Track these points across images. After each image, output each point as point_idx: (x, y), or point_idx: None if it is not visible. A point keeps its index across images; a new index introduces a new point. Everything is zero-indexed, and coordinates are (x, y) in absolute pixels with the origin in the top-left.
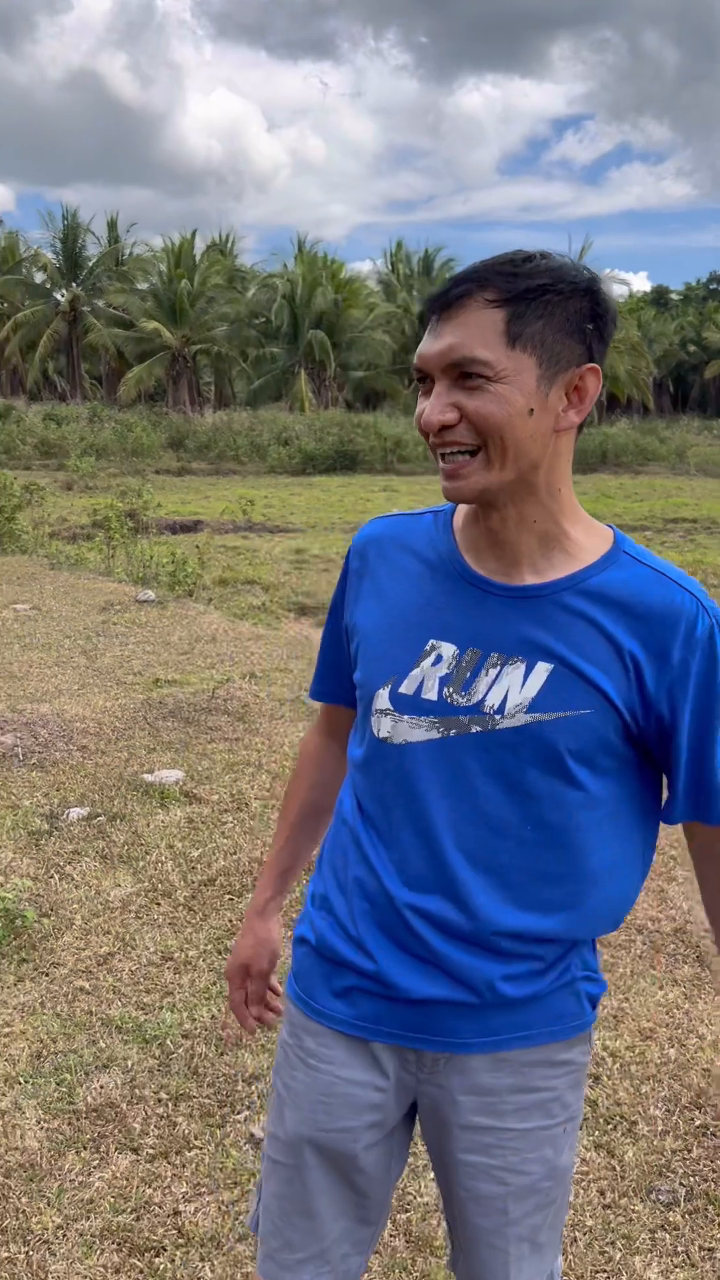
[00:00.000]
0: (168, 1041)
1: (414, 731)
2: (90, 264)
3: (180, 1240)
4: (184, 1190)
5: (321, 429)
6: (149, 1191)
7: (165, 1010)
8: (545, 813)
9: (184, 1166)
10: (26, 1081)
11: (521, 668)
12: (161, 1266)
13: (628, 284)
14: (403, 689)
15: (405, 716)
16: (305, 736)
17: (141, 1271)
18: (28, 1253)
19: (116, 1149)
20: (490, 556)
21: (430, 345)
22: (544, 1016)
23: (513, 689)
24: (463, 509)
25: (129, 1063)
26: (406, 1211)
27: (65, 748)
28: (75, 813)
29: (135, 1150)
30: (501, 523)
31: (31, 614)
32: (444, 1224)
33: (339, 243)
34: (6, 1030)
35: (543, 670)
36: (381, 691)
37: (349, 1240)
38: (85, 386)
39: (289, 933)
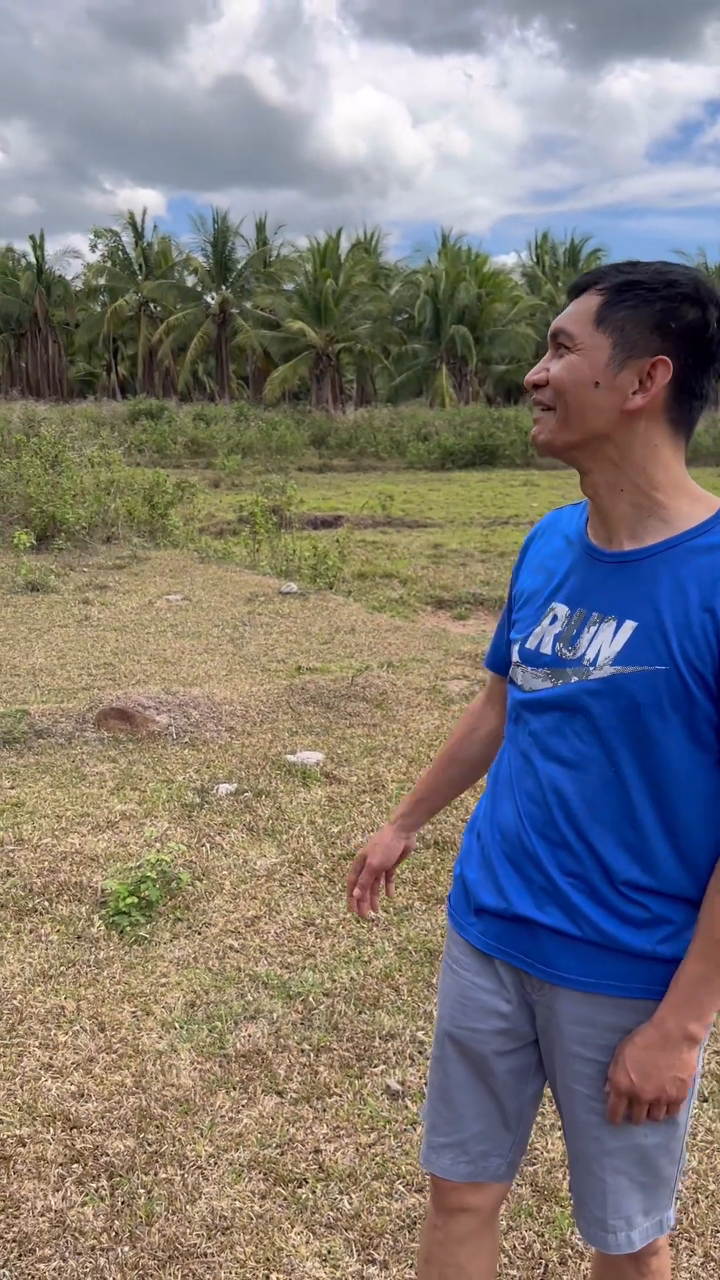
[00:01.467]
0: (310, 998)
1: (533, 681)
2: (239, 266)
3: (321, 1175)
4: (324, 1132)
5: (461, 424)
6: (292, 1130)
7: (307, 970)
8: (633, 762)
9: (325, 1111)
10: (181, 1027)
11: (612, 625)
12: (304, 1196)
13: None
14: (528, 644)
15: (528, 668)
16: (470, 707)
17: (285, 1199)
18: (183, 1175)
19: (263, 1091)
20: (599, 526)
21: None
22: (645, 973)
23: (604, 644)
24: None
25: (274, 1015)
26: (534, 1165)
27: (215, 728)
28: (224, 788)
29: (280, 1094)
30: (593, 489)
31: (183, 604)
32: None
33: (483, 236)
34: (164, 981)
35: (628, 627)
36: (516, 648)
37: (487, 1140)
38: (233, 387)
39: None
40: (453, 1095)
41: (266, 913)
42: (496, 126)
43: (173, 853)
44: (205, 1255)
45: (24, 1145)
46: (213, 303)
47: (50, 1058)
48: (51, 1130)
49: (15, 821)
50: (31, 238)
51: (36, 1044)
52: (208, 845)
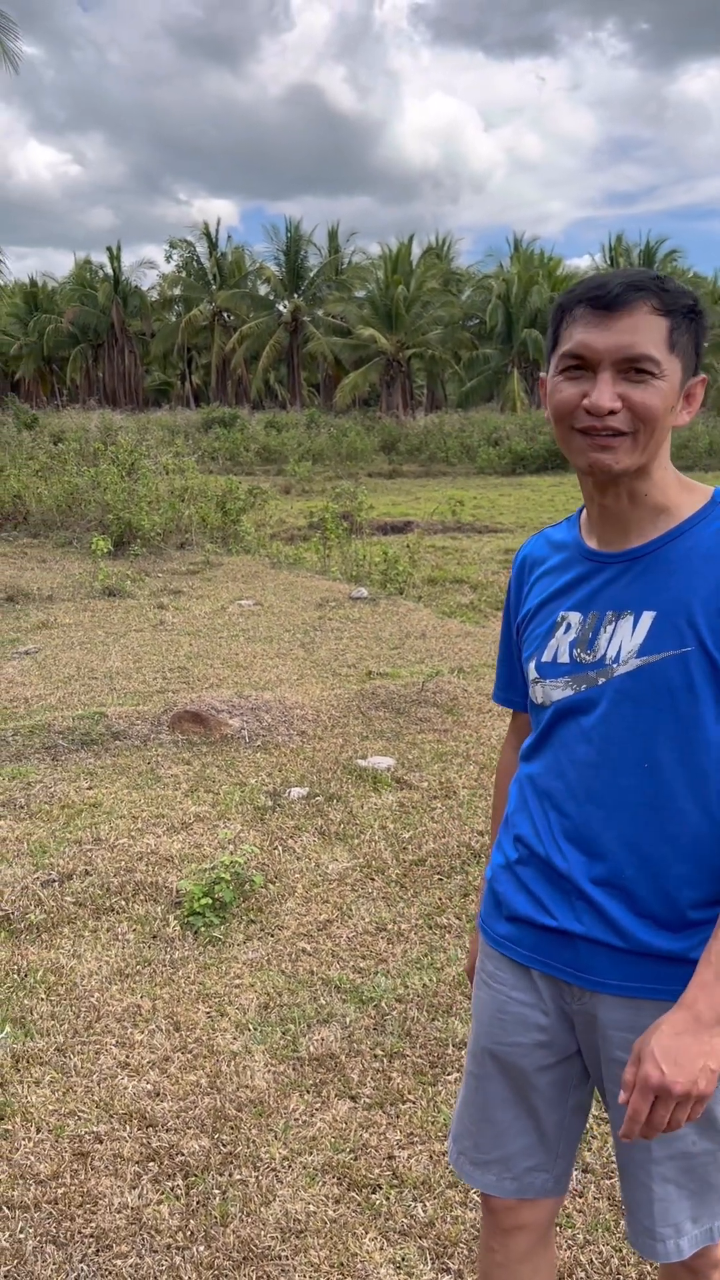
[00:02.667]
0: (382, 1003)
1: (553, 692)
2: (311, 274)
3: (395, 1181)
4: (398, 1138)
5: (533, 428)
6: (366, 1135)
7: (380, 975)
8: (666, 751)
9: (398, 1117)
10: (255, 1029)
11: (630, 619)
12: (378, 1202)
13: None
14: (544, 658)
15: (548, 680)
16: (501, 755)
17: (359, 1204)
18: (257, 1177)
19: (336, 1095)
20: (605, 533)
21: (603, 338)
22: (686, 975)
23: (625, 639)
24: (586, 506)
25: (347, 1019)
26: (611, 1178)
27: (286, 732)
28: (296, 792)
29: (353, 1098)
30: (617, 499)
31: (255, 609)
32: None
33: (556, 239)
34: (238, 982)
35: (647, 618)
36: (531, 664)
37: (530, 1156)
38: (304, 394)
39: None
40: (493, 1113)
41: (339, 917)
42: (569, 129)
43: (246, 855)
44: (279, 1258)
45: (101, 1142)
46: (285, 311)
47: (127, 1056)
48: (128, 1128)
49: (93, 821)
50: (109, 249)
51: (114, 1042)
52: (280, 848)
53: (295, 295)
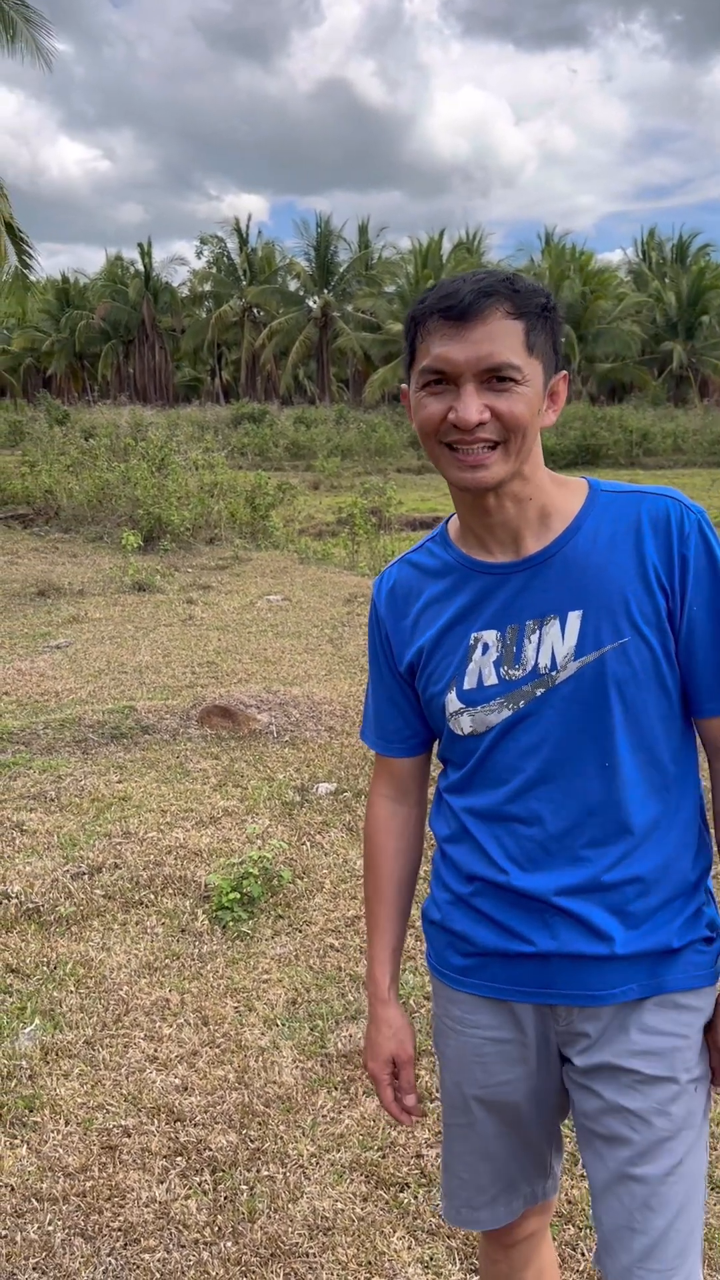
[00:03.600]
0: (410, 1001)
1: (489, 715)
2: (341, 270)
3: (423, 1180)
4: (426, 1137)
5: (563, 423)
6: (394, 1133)
7: (407, 973)
8: (624, 746)
9: (426, 1115)
10: (283, 1024)
11: (556, 623)
12: (405, 1200)
13: None
14: (467, 685)
15: (477, 707)
16: (369, 806)
17: (387, 1203)
18: (285, 1174)
19: (364, 1092)
20: (495, 543)
21: (460, 350)
22: (680, 963)
23: (556, 644)
24: (453, 523)
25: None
26: None
27: (314, 727)
28: (324, 787)
29: None
30: (500, 507)
31: (283, 604)
32: None
33: (587, 234)
34: (265, 977)
35: (574, 618)
36: (450, 696)
37: (530, 1170)
38: (333, 390)
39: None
40: (490, 1148)
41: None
42: (601, 122)
43: (274, 850)
44: (307, 1255)
45: (129, 1136)
46: (314, 307)
47: (155, 1050)
48: (156, 1122)
49: (123, 815)
50: (140, 245)
51: (142, 1035)
52: (308, 844)
53: (325, 291)
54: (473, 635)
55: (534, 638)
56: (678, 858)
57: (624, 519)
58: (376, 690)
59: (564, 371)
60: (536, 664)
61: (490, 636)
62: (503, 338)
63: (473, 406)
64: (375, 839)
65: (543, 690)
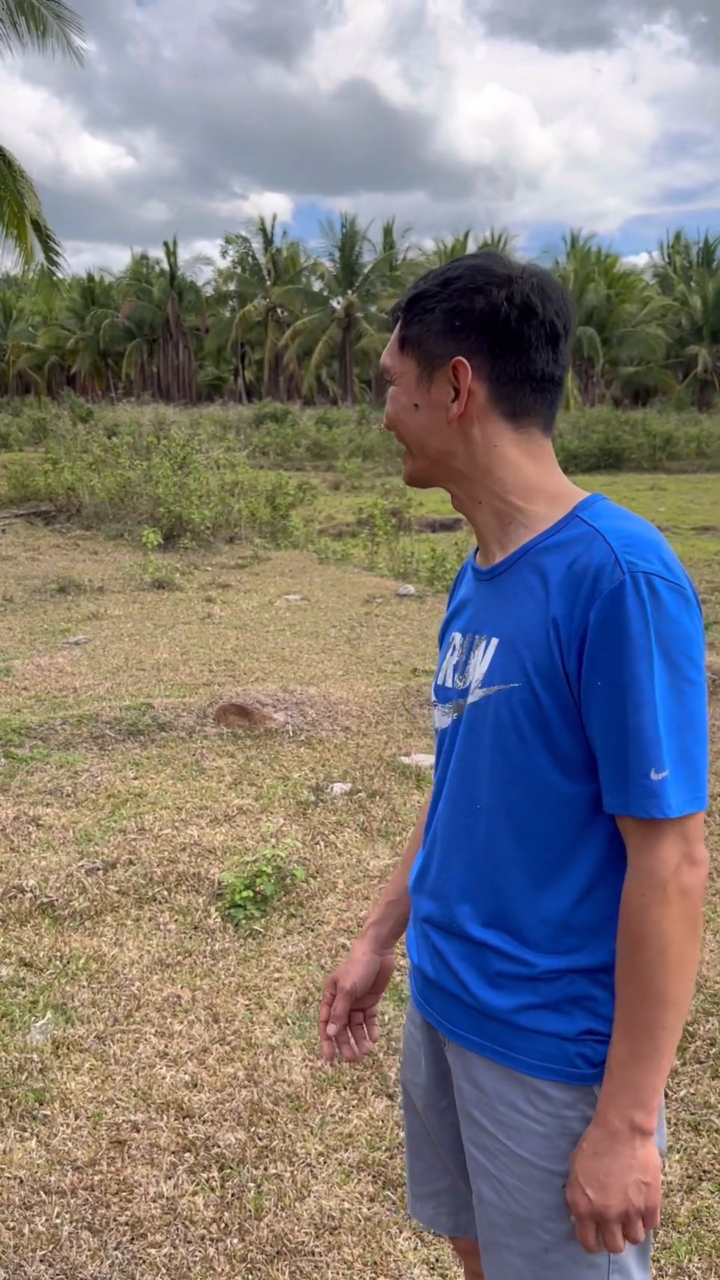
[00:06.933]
0: None
1: (443, 719)
2: (365, 270)
3: None
4: None
5: (586, 426)
6: (402, 1135)
7: None
8: (486, 794)
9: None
10: (294, 1023)
11: (485, 643)
12: None
13: None
14: (437, 681)
15: (439, 705)
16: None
17: (394, 1204)
18: (293, 1172)
19: (373, 1093)
20: (480, 546)
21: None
22: (521, 1043)
23: (477, 665)
24: None
25: (385, 1016)
26: None
27: (330, 727)
28: (338, 787)
29: (390, 1096)
30: (460, 506)
31: (301, 604)
32: None
33: (613, 236)
34: (277, 976)
35: (494, 644)
36: (433, 687)
37: (446, 1193)
38: (355, 390)
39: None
40: (418, 1146)
41: None
42: (626, 124)
43: (288, 849)
44: (313, 1254)
45: (138, 1131)
46: (338, 307)
47: (166, 1046)
48: (165, 1118)
49: (138, 811)
50: (165, 244)
51: (153, 1031)
52: (322, 843)
53: (349, 291)
54: (452, 634)
55: (478, 652)
56: (544, 936)
57: (568, 555)
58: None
59: (456, 358)
60: (471, 680)
61: (458, 639)
62: (391, 340)
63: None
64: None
65: (458, 711)
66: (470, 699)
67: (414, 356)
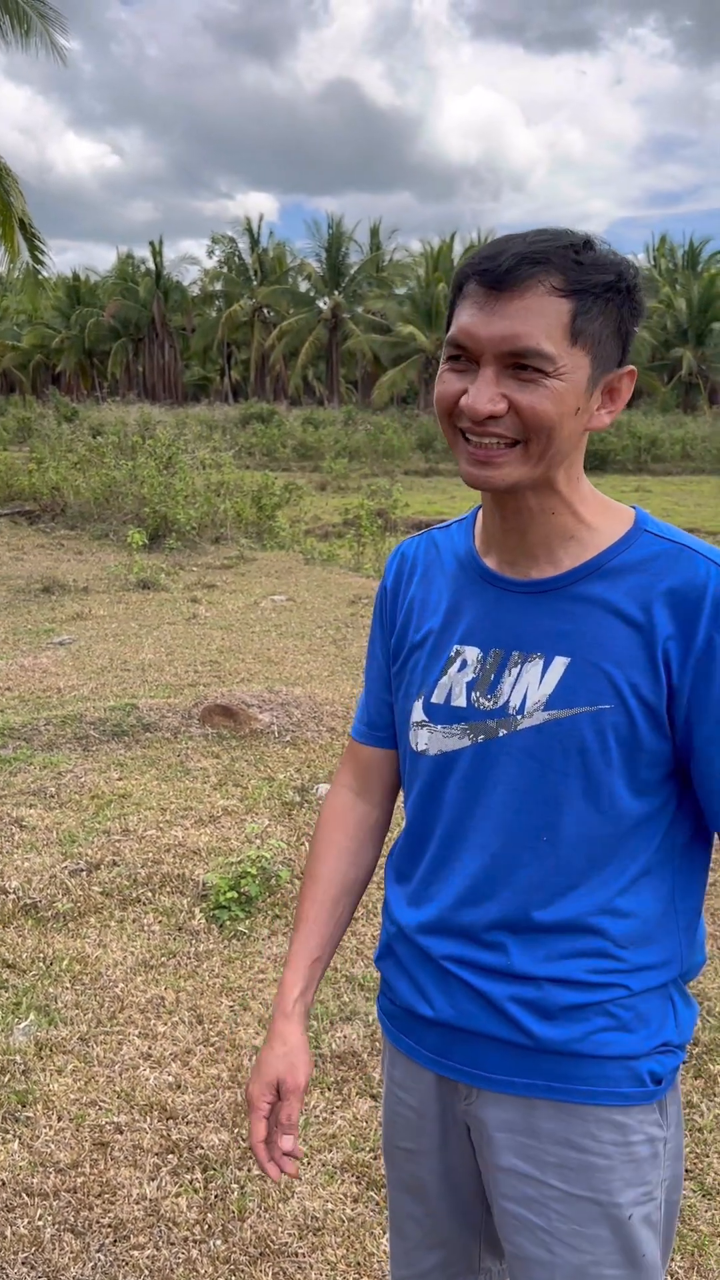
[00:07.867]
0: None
1: (447, 740)
2: (352, 271)
3: None
4: None
5: None
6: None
7: None
8: (566, 822)
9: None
10: None
11: (539, 663)
12: None
13: None
14: (434, 698)
15: (440, 726)
16: (328, 796)
17: (378, 1204)
18: None
19: (357, 1093)
20: (507, 552)
21: (486, 325)
22: (585, 1073)
23: (532, 686)
24: (482, 512)
25: (369, 1018)
26: None
27: (315, 728)
28: (324, 788)
29: (374, 1097)
30: (517, 515)
31: (287, 605)
32: None
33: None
34: (261, 977)
35: (560, 664)
36: (417, 704)
37: (456, 1264)
38: (342, 391)
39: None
40: (402, 1225)
41: (364, 915)
42: (611, 127)
43: (273, 850)
44: (296, 1255)
45: (121, 1133)
46: (325, 308)
47: (149, 1047)
48: (148, 1119)
49: (122, 812)
50: (151, 244)
51: (136, 1033)
52: (307, 844)
53: (335, 292)
54: (455, 647)
55: (515, 671)
56: (624, 954)
57: (659, 573)
58: (369, 666)
59: (630, 367)
60: (509, 701)
61: (471, 654)
62: (539, 317)
63: (485, 394)
64: (323, 830)
65: (504, 731)
66: (527, 721)
67: (590, 353)
